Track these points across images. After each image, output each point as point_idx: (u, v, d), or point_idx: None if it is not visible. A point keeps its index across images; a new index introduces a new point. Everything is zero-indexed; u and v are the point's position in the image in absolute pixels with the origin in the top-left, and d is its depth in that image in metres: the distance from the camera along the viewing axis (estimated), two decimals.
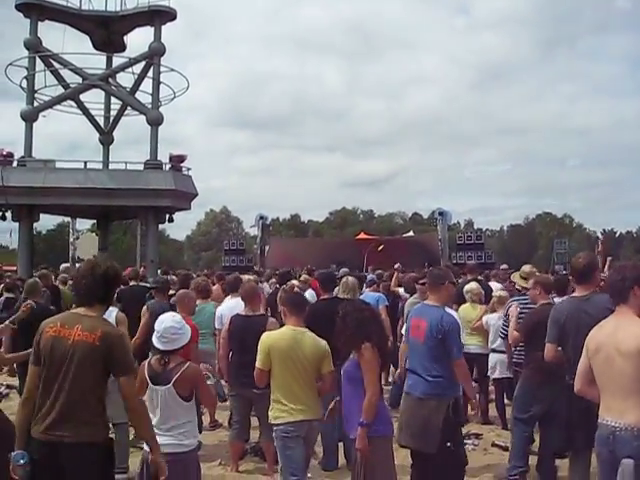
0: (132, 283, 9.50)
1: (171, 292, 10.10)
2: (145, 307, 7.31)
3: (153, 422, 4.01)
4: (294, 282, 8.58)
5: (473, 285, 8.44)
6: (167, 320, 4.10)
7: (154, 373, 3.97)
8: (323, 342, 4.68)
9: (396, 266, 10.71)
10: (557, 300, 7.18)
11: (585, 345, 3.61)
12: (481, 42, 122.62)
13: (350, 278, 6.88)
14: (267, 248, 30.50)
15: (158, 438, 3.92)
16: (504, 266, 17.40)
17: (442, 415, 4.73)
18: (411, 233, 48.53)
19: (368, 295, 8.83)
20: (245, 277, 8.74)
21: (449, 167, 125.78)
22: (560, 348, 4.78)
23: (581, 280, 4.77)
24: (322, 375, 4.62)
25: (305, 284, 9.68)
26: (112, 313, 5.69)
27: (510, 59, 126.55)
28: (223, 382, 6.35)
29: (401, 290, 9.86)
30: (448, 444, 4.73)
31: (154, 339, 4.09)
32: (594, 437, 3.49)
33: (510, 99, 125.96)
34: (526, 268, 7.33)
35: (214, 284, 10.19)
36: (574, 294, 4.91)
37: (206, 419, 7.16)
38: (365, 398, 4.08)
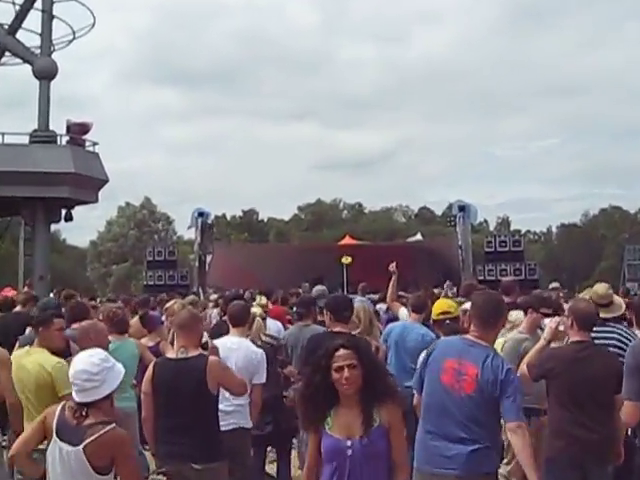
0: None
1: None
2: (17, 343, 6.19)
3: None
4: (254, 310, 6.96)
5: (516, 314, 6.75)
6: (81, 361, 3.47)
7: (64, 425, 3.38)
8: None
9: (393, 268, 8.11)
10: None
11: None
12: None
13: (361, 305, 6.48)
14: (209, 258, 28.12)
15: None
16: (554, 284, 14.62)
17: None
18: (419, 237, 41.46)
19: None
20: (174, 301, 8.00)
21: (471, 142, 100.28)
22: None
23: None
24: None
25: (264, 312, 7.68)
26: None
27: None
28: (147, 453, 5.46)
29: (402, 310, 7.75)
30: None
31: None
32: None
33: (557, 45, 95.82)
34: (600, 289, 5.90)
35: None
36: None
37: None
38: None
